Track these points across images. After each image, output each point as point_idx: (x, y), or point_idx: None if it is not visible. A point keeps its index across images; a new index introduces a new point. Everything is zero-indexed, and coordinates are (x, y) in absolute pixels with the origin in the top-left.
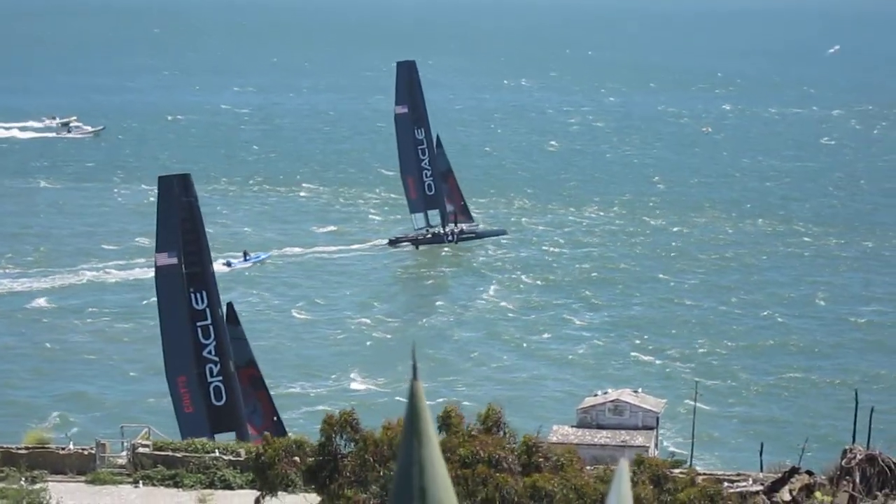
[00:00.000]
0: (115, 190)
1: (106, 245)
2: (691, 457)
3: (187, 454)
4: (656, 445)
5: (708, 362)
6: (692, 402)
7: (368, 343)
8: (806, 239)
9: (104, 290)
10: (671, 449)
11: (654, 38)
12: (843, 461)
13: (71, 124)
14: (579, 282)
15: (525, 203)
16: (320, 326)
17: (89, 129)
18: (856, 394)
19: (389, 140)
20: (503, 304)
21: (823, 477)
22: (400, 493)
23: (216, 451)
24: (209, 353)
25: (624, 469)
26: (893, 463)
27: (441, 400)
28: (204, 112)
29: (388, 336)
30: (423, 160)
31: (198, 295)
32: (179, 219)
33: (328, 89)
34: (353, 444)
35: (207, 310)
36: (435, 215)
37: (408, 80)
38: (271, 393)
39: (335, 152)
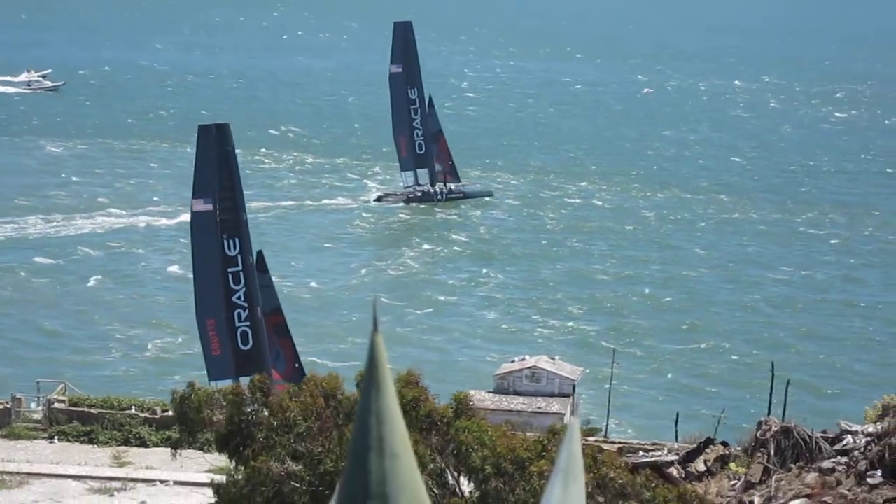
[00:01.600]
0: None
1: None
2: (606, 425)
3: (103, 411)
4: (572, 413)
5: (626, 331)
6: (609, 370)
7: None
8: (721, 210)
9: (25, 246)
10: (586, 417)
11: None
12: (759, 433)
13: (32, 79)
14: (503, 247)
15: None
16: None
17: (48, 83)
18: (772, 366)
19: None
20: (428, 264)
21: (738, 448)
22: (358, 443)
23: (132, 407)
24: (238, 298)
25: (575, 427)
26: (808, 435)
27: (356, 363)
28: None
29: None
30: (415, 120)
31: (230, 241)
32: (216, 166)
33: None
34: (265, 410)
35: (239, 256)
36: (424, 174)
37: (403, 41)
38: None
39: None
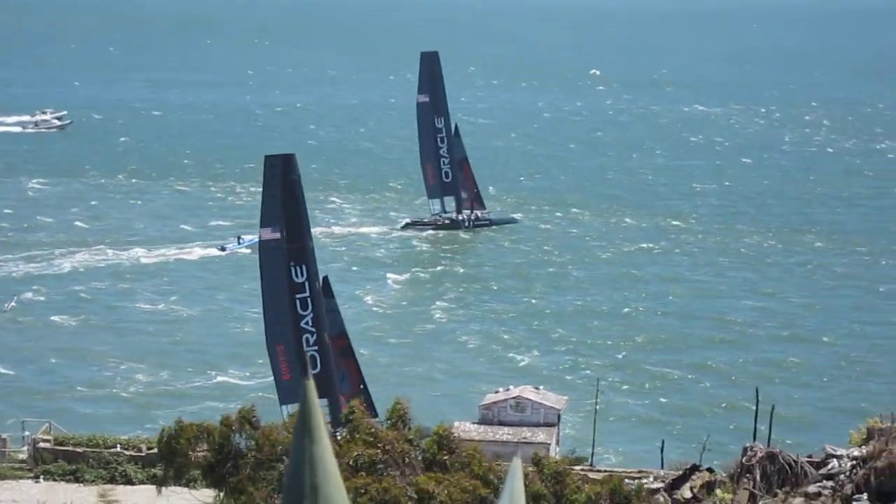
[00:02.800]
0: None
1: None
2: (592, 454)
3: (88, 449)
4: (557, 442)
5: (611, 359)
6: (594, 399)
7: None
8: (705, 237)
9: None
10: (572, 446)
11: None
12: (744, 458)
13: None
14: (490, 277)
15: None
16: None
17: (56, 122)
18: (756, 391)
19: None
20: (427, 293)
21: (724, 474)
22: (292, 491)
23: (117, 445)
24: (306, 323)
25: (517, 467)
26: (793, 460)
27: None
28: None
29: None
30: (442, 148)
31: (298, 268)
32: (282, 196)
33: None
34: (253, 442)
35: (306, 283)
36: (450, 201)
37: (429, 71)
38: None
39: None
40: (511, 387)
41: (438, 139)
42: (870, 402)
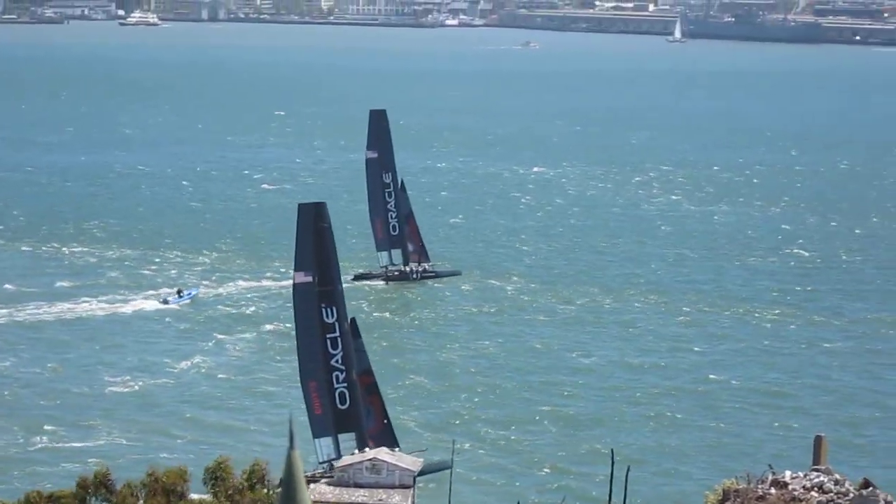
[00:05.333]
0: None
1: None
2: None
3: None
4: None
5: (464, 419)
6: (450, 457)
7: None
8: (521, 294)
9: None
10: None
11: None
12: None
13: None
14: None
15: None
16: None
17: None
18: (612, 452)
19: None
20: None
21: None
22: None
23: None
24: (336, 361)
25: None
26: None
27: (204, 447)
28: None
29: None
30: (390, 202)
31: (328, 310)
32: (314, 242)
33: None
34: None
35: (336, 323)
36: (398, 254)
37: (377, 128)
38: None
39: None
40: (367, 448)
41: (386, 193)
42: (727, 460)
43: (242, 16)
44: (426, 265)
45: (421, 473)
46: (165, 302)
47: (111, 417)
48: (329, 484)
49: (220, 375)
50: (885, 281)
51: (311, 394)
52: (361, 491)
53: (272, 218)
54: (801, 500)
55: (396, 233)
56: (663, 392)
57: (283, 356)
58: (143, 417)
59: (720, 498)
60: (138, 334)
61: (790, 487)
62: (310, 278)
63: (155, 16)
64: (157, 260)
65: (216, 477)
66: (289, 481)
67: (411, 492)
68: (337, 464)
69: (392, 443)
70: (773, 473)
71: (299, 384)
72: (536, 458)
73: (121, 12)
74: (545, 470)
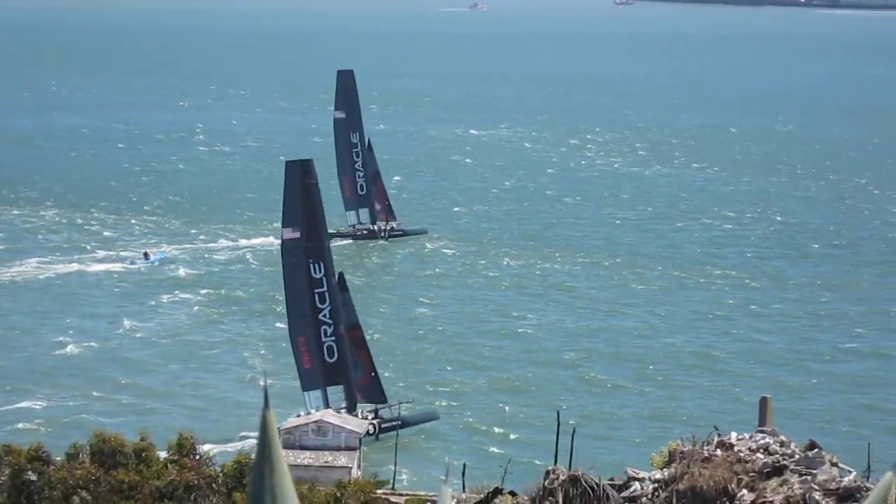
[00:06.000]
0: None
1: None
2: (394, 478)
3: None
4: (359, 466)
5: (415, 380)
6: (397, 420)
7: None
8: (450, 251)
9: None
10: (374, 469)
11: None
12: (546, 482)
13: None
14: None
15: None
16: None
17: None
18: (558, 415)
19: None
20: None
21: (526, 497)
22: None
23: None
24: (324, 316)
25: None
26: (596, 483)
27: (119, 419)
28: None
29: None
30: (357, 162)
31: (316, 265)
32: (301, 198)
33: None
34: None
35: (324, 278)
36: (365, 213)
37: (345, 88)
38: None
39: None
40: (312, 410)
41: (354, 154)
42: (670, 424)
43: None
44: (393, 224)
45: (406, 424)
46: (133, 264)
47: (59, 383)
48: None
49: (182, 337)
50: (823, 244)
51: (300, 348)
52: (307, 453)
53: (243, 181)
54: (746, 462)
55: (364, 192)
56: (603, 356)
57: (258, 316)
58: (100, 380)
59: (666, 459)
60: (107, 295)
61: (736, 449)
62: (297, 234)
63: None
64: (121, 223)
65: (141, 451)
66: (264, 441)
67: (357, 454)
68: (282, 426)
69: (380, 394)
70: (719, 435)
71: (266, 343)
72: (481, 422)
73: None
74: (490, 433)
